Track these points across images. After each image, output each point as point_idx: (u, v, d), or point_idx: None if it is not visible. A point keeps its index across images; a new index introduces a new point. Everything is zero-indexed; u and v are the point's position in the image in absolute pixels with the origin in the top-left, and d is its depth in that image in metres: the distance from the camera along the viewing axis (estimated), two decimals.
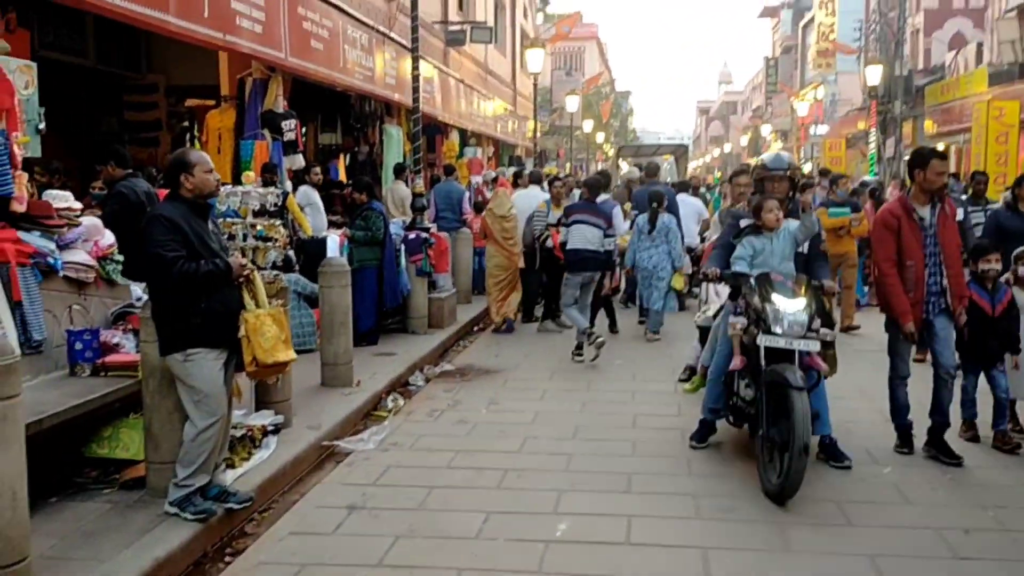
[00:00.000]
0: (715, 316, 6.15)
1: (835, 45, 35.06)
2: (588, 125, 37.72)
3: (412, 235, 9.46)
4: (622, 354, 8.76)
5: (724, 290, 6.02)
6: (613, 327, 9.85)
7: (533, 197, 10.61)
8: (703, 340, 6.50)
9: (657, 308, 9.46)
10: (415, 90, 10.26)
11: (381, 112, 13.67)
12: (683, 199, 11.00)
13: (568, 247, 8.54)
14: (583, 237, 8.41)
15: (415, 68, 10.28)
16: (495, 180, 14.99)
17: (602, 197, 9.15)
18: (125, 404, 4.87)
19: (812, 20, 46.77)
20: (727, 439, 5.75)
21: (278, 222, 6.46)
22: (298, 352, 7.56)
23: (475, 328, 10.68)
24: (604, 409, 6.69)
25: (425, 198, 10.77)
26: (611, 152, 47.94)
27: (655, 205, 9.35)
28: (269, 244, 6.20)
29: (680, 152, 26.21)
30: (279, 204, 6.63)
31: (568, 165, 34.08)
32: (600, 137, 43.25)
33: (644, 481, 5.05)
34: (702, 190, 15.09)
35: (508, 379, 7.80)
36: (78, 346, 4.97)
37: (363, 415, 6.56)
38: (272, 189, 6.89)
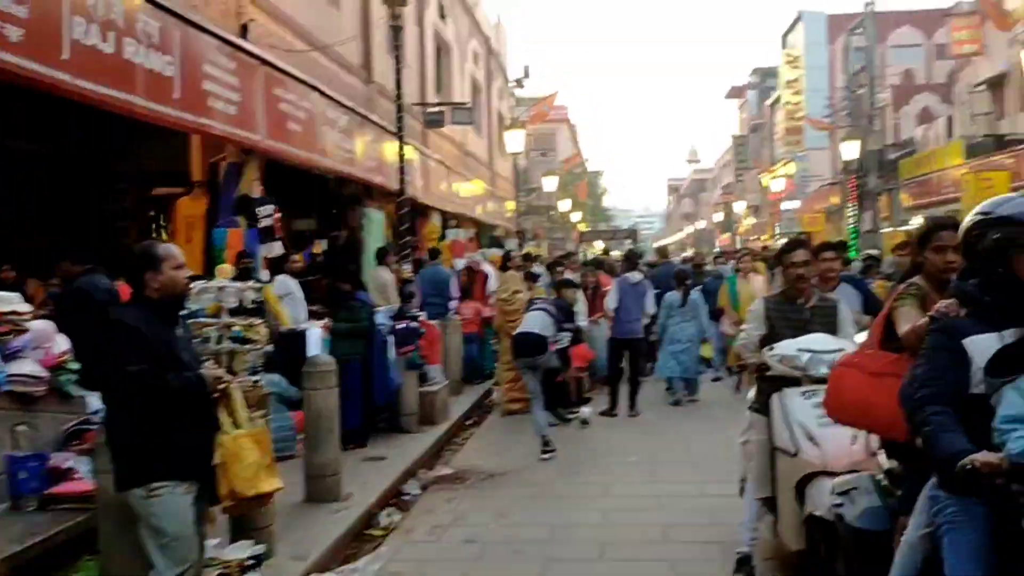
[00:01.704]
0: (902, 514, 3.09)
1: (810, 121, 35.56)
2: (564, 205, 37.61)
3: (401, 324, 8.78)
4: (636, 448, 8.04)
5: (821, 428, 3.98)
6: (632, 407, 9.77)
7: None
8: (772, 510, 4.49)
9: (694, 375, 10.54)
10: (401, 171, 9.73)
11: (361, 195, 13.12)
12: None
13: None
14: (528, 321, 8.26)
15: (401, 150, 9.77)
16: (468, 269, 13.67)
17: (636, 277, 9.96)
18: (78, 543, 4.09)
19: (779, 99, 47.67)
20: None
21: (258, 320, 5.74)
22: (276, 459, 6.81)
23: (468, 422, 9.91)
24: (628, 519, 5.94)
25: (413, 284, 10.14)
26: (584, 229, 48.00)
27: (688, 283, 10.63)
28: (248, 347, 5.49)
29: (632, 235, 32.67)
30: (259, 300, 5.93)
31: (544, 244, 33.76)
32: (576, 216, 43.18)
33: None
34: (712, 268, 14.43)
35: (515, 483, 7.03)
36: (22, 475, 4.24)
37: (355, 535, 5.76)
38: (251, 283, 6.19)
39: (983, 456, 2.43)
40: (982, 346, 2.66)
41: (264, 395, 5.12)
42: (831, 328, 4.53)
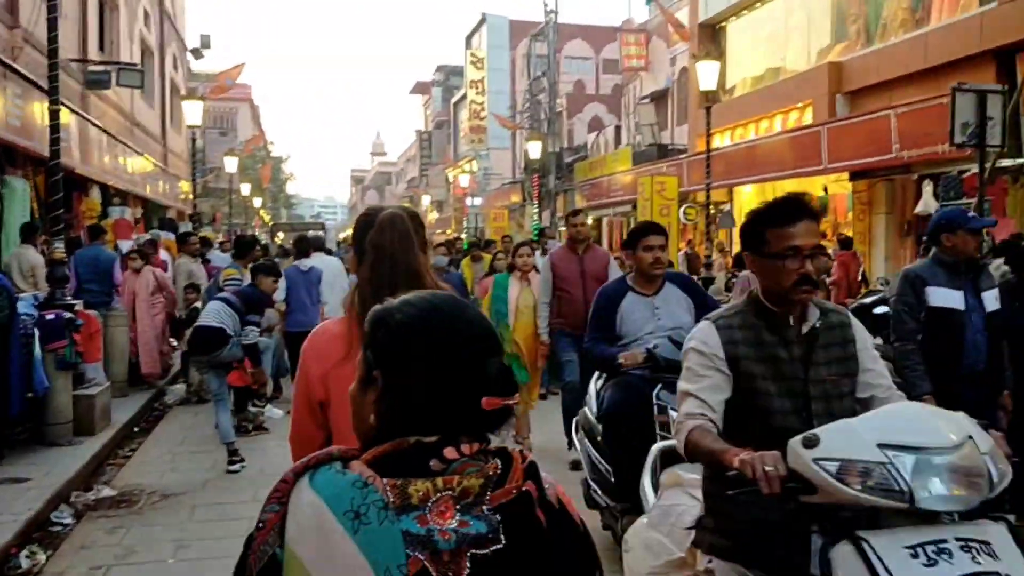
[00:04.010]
0: None
1: (497, 118, 36.75)
2: (246, 189, 35.53)
3: (51, 315, 7.28)
4: None
5: None
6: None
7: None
8: None
9: None
10: (53, 130, 8.08)
11: (1, 161, 10.96)
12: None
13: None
14: (205, 313, 7.29)
15: (53, 106, 8.11)
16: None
17: (307, 264, 8.81)
18: None
19: (464, 98, 49.01)
20: None
21: None
22: None
23: (136, 428, 8.54)
24: None
25: (66, 266, 8.52)
26: (268, 219, 46.07)
27: None
28: None
29: (323, 226, 35.93)
30: None
31: (223, 230, 31.65)
32: (258, 202, 41.05)
33: None
34: None
35: (196, 504, 5.99)
36: None
37: None
38: None
39: None
40: None
41: None
42: (848, 371, 2.40)
